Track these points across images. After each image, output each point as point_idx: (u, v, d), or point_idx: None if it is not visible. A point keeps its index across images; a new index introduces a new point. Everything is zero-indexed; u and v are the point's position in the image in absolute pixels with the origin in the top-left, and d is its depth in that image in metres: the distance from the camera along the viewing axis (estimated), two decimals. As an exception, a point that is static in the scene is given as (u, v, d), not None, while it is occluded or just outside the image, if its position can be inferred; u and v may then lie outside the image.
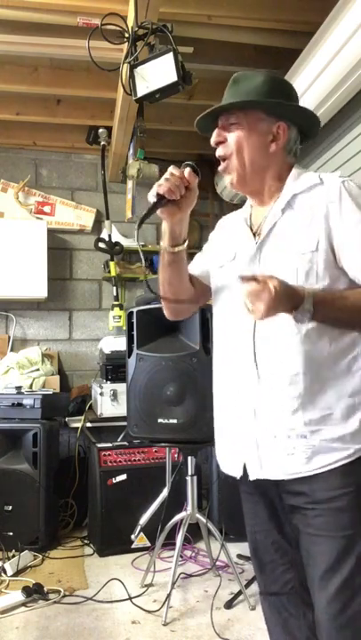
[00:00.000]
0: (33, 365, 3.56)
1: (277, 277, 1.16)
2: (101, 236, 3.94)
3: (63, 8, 2.42)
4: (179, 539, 2.54)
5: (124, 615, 2.37)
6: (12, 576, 2.67)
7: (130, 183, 3.59)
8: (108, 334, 3.96)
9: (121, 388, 3.27)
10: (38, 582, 2.53)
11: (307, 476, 1.23)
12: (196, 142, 3.94)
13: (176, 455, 3.02)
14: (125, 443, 3.17)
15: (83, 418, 3.52)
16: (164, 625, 2.28)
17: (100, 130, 3.72)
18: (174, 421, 2.45)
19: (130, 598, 2.49)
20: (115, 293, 3.94)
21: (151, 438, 2.59)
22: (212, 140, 1.36)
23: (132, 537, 2.84)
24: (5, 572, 2.68)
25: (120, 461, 3.09)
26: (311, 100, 2.47)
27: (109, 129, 3.58)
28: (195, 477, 2.63)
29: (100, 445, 3.14)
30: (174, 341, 2.53)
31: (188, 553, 3.01)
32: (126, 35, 2.32)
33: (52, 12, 2.44)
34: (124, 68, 2.49)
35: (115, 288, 3.94)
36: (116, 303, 3.93)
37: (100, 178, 4.01)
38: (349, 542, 1.20)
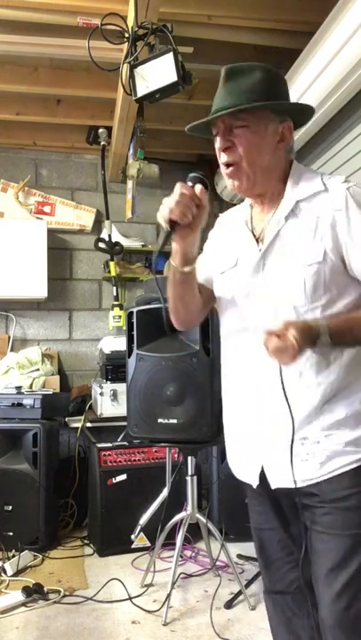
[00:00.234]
0: (33, 365, 3.56)
1: (293, 323, 1.15)
2: (101, 236, 3.95)
3: (63, 8, 2.42)
4: (179, 539, 2.54)
5: (124, 615, 2.37)
6: (11, 576, 2.67)
7: (130, 183, 3.59)
8: (108, 334, 3.96)
9: (121, 387, 3.27)
10: (38, 582, 2.53)
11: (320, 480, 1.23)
12: (196, 142, 3.94)
13: (176, 455, 3.02)
14: (125, 443, 3.17)
15: (83, 418, 3.52)
16: (164, 625, 2.28)
17: (100, 130, 3.72)
18: (174, 421, 2.45)
19: (130, 598, 2.49)
20: (115, 293, 3.94)
21: (151, 438, 2.59)
22: (219, 146, 1.28)
23: (132, 537, 2.85)
24: (5, 572, 2.68)
25: (120, 461, 3.09)
26: (311, 100, 2.47)
27: (109, 129, 3.59)
28: (195, 477, 2.63)
29: (100, 445, 3.14)
30: (174, 341, 2.53)
31: (188, 553, 3.01)
32: (126, 35, 2.32)
33: (52, 12, 2.44)
34: (124, 68, 2.49)
35: (115, 288, 3.95)
36: (116, 303, 3.93)
37: (100, 178, 4.01)
38: (357, 541, 1.20)
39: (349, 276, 1.24)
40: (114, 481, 3.04)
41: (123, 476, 3.06)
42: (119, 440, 3.26)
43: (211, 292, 1.46)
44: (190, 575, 2.77)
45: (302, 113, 1.35)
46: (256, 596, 2.47)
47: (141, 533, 2.87)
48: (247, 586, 2.51)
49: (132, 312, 2.64)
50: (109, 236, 3.91)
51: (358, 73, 2.21)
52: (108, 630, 2.24)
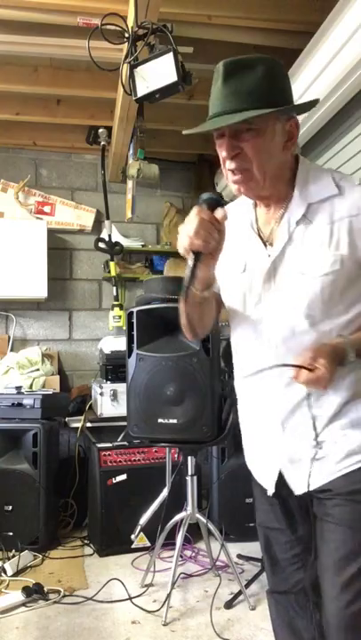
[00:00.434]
0: (33, 365, 3.56)
1: (320, 351, 1.14)
2: (101, 235, 3.95)
3: (63, 8, 2.42)
4: (179, 539, 2.54)
5: (124, 615, 2.37)
6: (12, 576, 2.67)
7: (130, 183, 3.59)
8: (108, 334, 3.96)
9: (121, 387, 3.27)
10: (38, 582, 2.53)
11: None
12: (196, 142, 3.96)
13: (176, 455, 3.02)
14: (125, 443, 3.17)
15: (83, 418, 3.52)
16: (164, 625, 2.28)
17: (100, 130, 3.73)
18: (174, 421, 2.45)
19: (130, 598, 2.49)
20: (115, 293, 3.94)
21: (151, 438, 2.59)
22: (226, 155, 1.19)
23: (132, 537, 2.84)
24: (5, 572, 2.68)
25: (120, 461, 3.09)
26: (311, 100, 2.47)
27: (109, 129, 3.59)
28: (195, 477, 2.63)
29: (100, 445, 3.14)
30: (174, 341, 2.53)
31: (188, 553, 3.00)
32: (126, 35, 2.32)
33: (52, 12, 2.44)
34: (124, 68, 2.49)
35: (115, 288, 3.95)
36: (116, 303, 3.93)
37: (100, 178, 4.01)
38: None
39: None
40: (114, 481, 3.04)
41: (123, 476, 3.06)
42: (119, 440, 3.25)
43: (219, 297, 1.40)
44: (190, 575, 2.77)
45: (310, 107, 1.29)
46: (256, 596, 2.47)
47: (141, 533, 2.86)
48: (247, 586, 2.51)
49: (132, 312, 2.64)
50: (109, 236, 3.91)
51: (358, 73, 2.21)
52: (108, 630, 2.24)
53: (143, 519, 2.78)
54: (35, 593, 2.45)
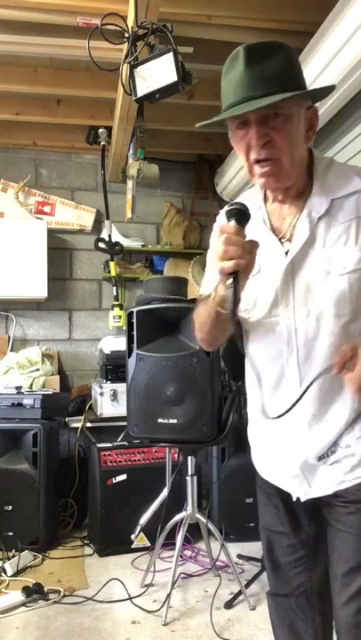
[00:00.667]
0: (33, 365, 3.56)
1: (356, 348, 1.05)
2: (101, 235, 3.95)
3: (63, 8, 2.42)
4: (179, 539, 2.53)
5: (124, 615, 2.37)
6: (12, 576, 2.67)
7: (130, 183, 3.59)
8: (108, 334, 3.96)
9: (121, 387, 3.26)
10: (38, 582, 2.53)
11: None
12: (196, 142, 3.96)
13: (176, 455, 3.02)
14: (125, 443, 3.17)
15: (83, 418, 3.52)
16: (164, 625, 2.28)
17: (100, 130, 3.72)
18: (174, 421, 2.45)
19: (130, 598, 2.49)
20: (115, 293, 3.94)
21: (151, 438, 2.59)
22: (257, 143, 1.10)
23: (132, 537, 2.84)
24: (5, 572, 2.68)
25: (120, 461, 3.09)
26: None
27: (109, 129, 3.59)
28: (195, 477, 2.63)
29: (100, 445, 3.14)
30: (174, 341, 2.53)
31: (188, 553, 3.00)
32: (126, 35, 2.32)
33: (52, 12, 2.44)
34: (124, 68, 2.49)
35: (115, 288, 3.95)
36: (116, 303, 3.93)
37: (100, 178, 4.01)
38: None
39: None
40: (114, 481, 3.04)
41: (123, 476, 3.06)
42: (119, 440, 3.25)
43: None
44: (190, 575, 2.77)
45: (327, 92, 1.22)
46: (256, 596, 2.47)
47: (141, 533, 2.86)
48: (247, 586, 2.51)
49: (132, 312, 2.64)
50: (109, 236, 3.90)
51: (358, 73, 2.21)
52: (108, 630, 2.24)
53: (143, 519, 2.78)
54: (35, 593, 2.45)
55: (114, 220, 3.96)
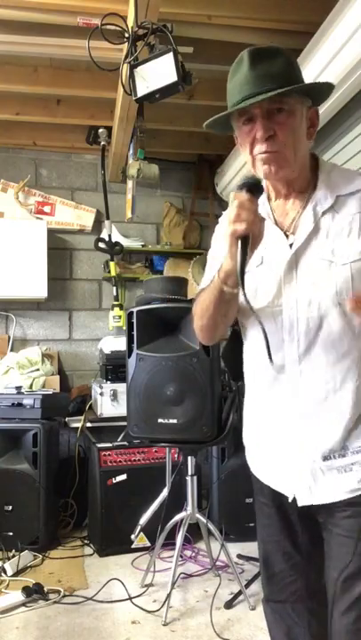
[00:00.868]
0: (33, 365, 3.56)
1: None
2: (101, 235, 3.95)
3: (63, 8, 2.42)
4: (179, 539, 2.54)
5: (124, 615, 2.37)
6: (12, 576, 2.67)
7: (130, 183, 3.59)
8: (108, 334, 3.96)
9: (121, 387, 3.26)
10: (38, 582, 2.53)
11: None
12: (196, 142, 3.96)
13: (176, 455, 3.02)
14: (125, 443, 3.17)
15: (83, 418, 3.52)
16: (164, 625, 2.28)
17: (100, 130, 3.72)
18: (174, 421, 2.45)
19: (130, 598, 2.49)
20: (115, 293, 3.94)
21: (151, 438, 2.59)
22: (261, 135, 1.15)
23: (132, 537, 2.84)
24: (5, 572, 2.68)
25: (120, 461, 3.09)
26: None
27: (109, 129, 3.59)
28: (195, 477, 2.63)
29: (100, 445, 3.14)
30: (174, 341, 2.53)
31: (188, 553, 3.01)
32: (126, 35, 2.32)
33: (52, 12, 2.44)
34: (124, 68, 2.49)
35: (115, 288, 3.95)
36: (116, 303, 3.93)
37: (100, 178, 4.01)
38: None
39: None
40: (114, 481, 3.04)
41: (123, 476, 3.06)
42: (119, 440, 3.26)
43: None
44: (190, 575, 2.77)
45: (320, 98, 1.27)
46: (256, 596, 2.47)
47: (141, 533, 2.86)
48: (247, 586, 2.51)
49: (132, 312, 2.64)
50: (109, 236, 3.90)
51: (358, 73, 2.21)
52: (108, 630, 2.24)
53: (143, 519, 2.78)
54: (35, 593, 2.45)
55: (114, 220, 3.96)
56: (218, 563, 2.78)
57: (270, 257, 1.23)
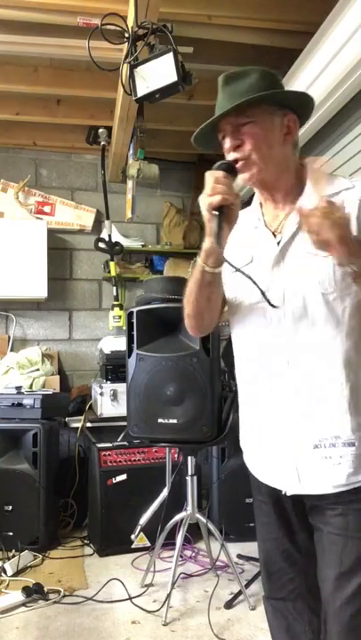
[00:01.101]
0: (33, 365, 3.56)
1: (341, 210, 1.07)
2: (101, 235, 3.95)
3: (63, 8, 2.42)
4: (179, 539, 2.54)
5: (124, 615, 2.37)
6: (12, 576, 2.67)
7: (130, 183, 3.59)
8: (108, 334, 3.96)
9: (121, 387, 3.26)
10: (38, 582, 2.53)
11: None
12: (196, 142, 3.95)
13: (176, 455, 3.02)
14: (125, 443, 3.17)
15: (83, 418, 3.52)
16: (164, 625, 2.28)
17: (100, 130, 3.72)
18: (174, 421, 2.45)
19: (130, 598, 2.49)
20: (115, 293, 3.94)
21: (151, 438, 2.59)
22: (229, 146, 1.26)
23: (132, 537, 2.84)
24: (5, 572, 2.68)
25: (120, 461, 3.09)
26: (311, 100, 2.47)
27: (109, 129, 3.59)
28: (195, 477, 2.63)
29: (100, 445, 3.14)
30: (174, 341, 2.53)
31: (188, 553, 3.01)
32: (126, 35, 2.32)
33: (52, 12, 2.44)
34: (124, 68, 2.49)
35: (115, 288, 3.95)
36: (116, 303, 3.93)
37: (100, 178, 4.01)
38: None
39: None
40: (114, 481, 3.04)
41: (123, 476, 3.06)
42: (119, 440, 3.26)
43: (224, 296, 1.40)
44: (190, 575, 2.77)
45: (303, 105, 1.33)
46: (256, 596, 2.47)
47: (141, 533, 2.86)
48: (247, 586, 2.51)
49: (132, 312, 2.64)
50: (109, 236, 3.91)
51: (358, 73, 2.21)
52: (108, 630, 2.24)
53: (143, 519, 2.78)
54: (35, 593, 2.45)
55: (114, 220, 3.96)
56: (218, 563, 2.77)
57: (259, 255, 1.30)
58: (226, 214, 1.18)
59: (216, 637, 2.18)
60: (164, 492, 2.79)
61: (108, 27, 2.29)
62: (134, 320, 2.60)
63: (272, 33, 2.64)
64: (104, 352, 3.58)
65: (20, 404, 3.14)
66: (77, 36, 2.55)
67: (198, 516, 2.61)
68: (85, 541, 3.19)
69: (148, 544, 2.96)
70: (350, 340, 1.20)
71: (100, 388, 3.41)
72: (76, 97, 3.40)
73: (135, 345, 2.56)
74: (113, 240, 3.90)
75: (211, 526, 2.61)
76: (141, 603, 2.46)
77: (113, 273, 3.91)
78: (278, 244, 1.28)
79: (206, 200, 1.17)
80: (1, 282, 3.60)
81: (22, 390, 3.25)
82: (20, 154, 4.01)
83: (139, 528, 2.80)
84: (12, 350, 3.83)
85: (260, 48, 2.79)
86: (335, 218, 1.03)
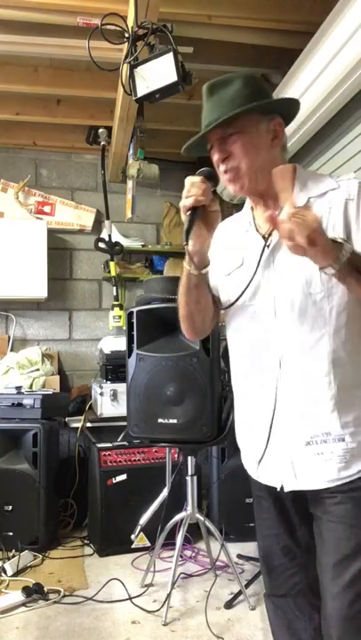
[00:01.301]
0: (33, 365, 3.56)
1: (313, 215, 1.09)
2: (101, 235, 3.95)
3: (63, 8, 2.42)
4: (179, 539, 2.53)
5: (124, 615, 2.37)
6: (12, 576, 2.67)
7: (130, 183, 3.59)
8: (108, 334, 3.96)
9: (121, 387, 3.26)
10: (38, 582, 2.53)
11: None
12: (196, 142, 3.95)
13: (176, 455, 3.02)
14: (125, 443, 3.17)
15: (83, 418, 3.52)
16: (164, 625, 2.28)
17: (100, 130, 3.72)
18: (174, 421, 2.45)
19: (130, 598, 2.49)
20: (115, 293, 3.94)
21: (151, 438, 2.58)
22: (217, 158, 1.31)
23: (132, 537, 2.84)
24: (5, 572, 2.68)
25: (120, 461, 3.09)
26: (311, 100, 2.47)
27: (109, 129, 3.59)
28: (195, 477, 2.63)
29: (100, 445, 3.14)
30: (174, 341, 2.53)
31: (188, 553, 3.00)
32: (126, 35, 2.32)
33: (52, 12, 2.44)
34: (124, 68, 2.49)
35: (115, 288, 3.95)
36: (116, 303, 3.93)
37: (100, 178, 4.01)
38: None
39: None
40: (114, 481, 3.04)
41: (123, 476, 3.06)
42: (119, 440, 3.26)
43: (217, 298, 1.44)
44: (190, 575, 2.77)
45: (289, 106, 1.36)
46: (256, 596, 2.47)
47: (141, 533, 2.86)
48: (247, 586, 2.51)
49: (132, 312, 2.64)
50: (109, 236, 3.91)
51: (358, 73, 2.21)
52: (108, 630, 2.24)
53: (143, 519, 2.78)
54: (35, 593, 2.45)
55: (114, 220, 3.96)
56: (218, 563, 2.77)
57: (250, 257, 1.33)
58: (199, 215, 1.24)
59: (216, 637, 2.18)
60: (164, 492, 2.79)
61: (108, 27, 2.29)
62: (134, 320, 2.60)
63: (272, 33, 2.63)
64: (104, 352, 3.58)
65: (20, 404, 3.14)
66: (77, 35, 2.55)
67: (198, 516, 2.61)
68: (85, 541, 3.19)
69: (148, 544, 2.96)
70: (338, 338, 1.22)
71: (100, 387, 3.41)
72: (76, 97, 3.40)
73: (135, 345, 2.56)
74: (113, 240, 3.90)
75: (211, 526, 2.61)
76: (141, 603, 2.46)
77: (113, 273, 3.91)
78: (268, 246, 1.30)
79: (181, 202, 1.26)
80: (1, 282, 3.60)
81: (22, 390, 3.25)
82: (20, 154, 4.01)
83: (139, 528, 2.80)
84: (12, 350, 3.83)
85: (260, 48, 2.79)
86: (305, 223, 1.05)
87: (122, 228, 4.04)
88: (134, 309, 2.64)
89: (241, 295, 1.32)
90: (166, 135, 3.76)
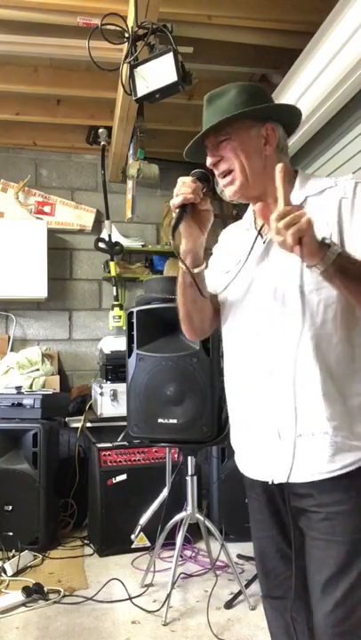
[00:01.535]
0: (33, 365, 3.56)
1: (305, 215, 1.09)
2: (101, 235, 3.95)
3: (63, 8, 2.42)
4: (179, 539, 2.54)
5: (124, 615, 2.37)
6: (12, 576, 2.67)
7: (130, 183, 3.59)
8: (108, 334, 3.96)
9: (121, 387, 3.27)
10: (38, 582, 2.53)
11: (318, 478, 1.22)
12: (196, 142, 3.95)
13: (176, 455, 3.02)
14: (125, 443, 3.17)
15: (83, 418, 3.52)
16: (164, 625, 2.28)
17: (100, 130, 3.73)
18: (174, 421, 2.45)
19: (130, 598, 2.49)
20: (115, 293, 3.94)
21: (151, 438, 2.59)
22: (209, 163, 1.37)
23: (132, 537, 2.84)
24: (5, 572, 2.68)
25: (120, 461, 3.09)
26: (311, 100, 2.47)
27: (109, 129, 3.59)
28: (195, 477, 2.63)
29: (100, 445, 3.14)
30: (174, 341, 2.53)
31: (188, 553, 3.01)
32: (126, 35, 2.32)
33: (52, 12, 2.44)
34: (124, 68, 2.49)
35: (115, 288, 3.95)
36: (116, 303, 3.93)
37: (100, 178, 4.01)
38: (355, 547, 1.19)
39: None
40: (114, 481, 3.04)
41: (123, 476, 3.06)
42: (119, 440, 3.26)
43: (215, 299, 1.45)
44: (190, 575, 2.77)
45: (288, 113, 1.38)
46: (256, 596, 2.47)
47: (141, 533, 2.86)
48: (247, 586, 2.51)
49: (132, 312, 2.64)
50: (109, 236, 3.91)
51: (358, 73, 2.21)
52: (108, 630, 2.24)
53: (143, 519, 2.78)
54: (35, 593, 2.45)
55: (114, 220, 3.96)
56: (218, 563, 2.77)
57: (246, 252, 1.37)
58: (188, 212, 1.29)
59: (216, 637, 2.18)
60: (164, 492, 2.79)
61: (108, 27, 2.29)
62: (134, 320, 2.60)
63: (272, 33, 2.64)
64: (104, 352, 3.58)
65: (20, 404, 3.14)
66: (77, 35, 2.55)
67: (198, 516, 2.61)
68: (85, 541, 3.19)
69: (148, 544, 2.96)
70: (324, 331, 1.23)
71: (100, 387, 3.41)
72: (76, 97, 3.40)
73: (135, 345, 2.56)
74: (113, 240, 3.90)
75: (211, 526, 2.61)
76: (141, 603, 2.46)
77: (113, 273, 3.91)
78: (264, 242, 1.34)
79: (171, 201, 1.30)
80: (1, 282, 3.60)
81: (22, 390, 3.25)
82: (20, 154, 4.01)
83: (139, 528, 2.80)
84: (12, 350, 3.83)
85: (260, 48, 2.80)
86: (294, 220, 1.06)
87: (122, 228, 4.04)
88: (134, 309, 2.64)
89: (232, 282, 1.36)
90: (166, 135, 3.76)
